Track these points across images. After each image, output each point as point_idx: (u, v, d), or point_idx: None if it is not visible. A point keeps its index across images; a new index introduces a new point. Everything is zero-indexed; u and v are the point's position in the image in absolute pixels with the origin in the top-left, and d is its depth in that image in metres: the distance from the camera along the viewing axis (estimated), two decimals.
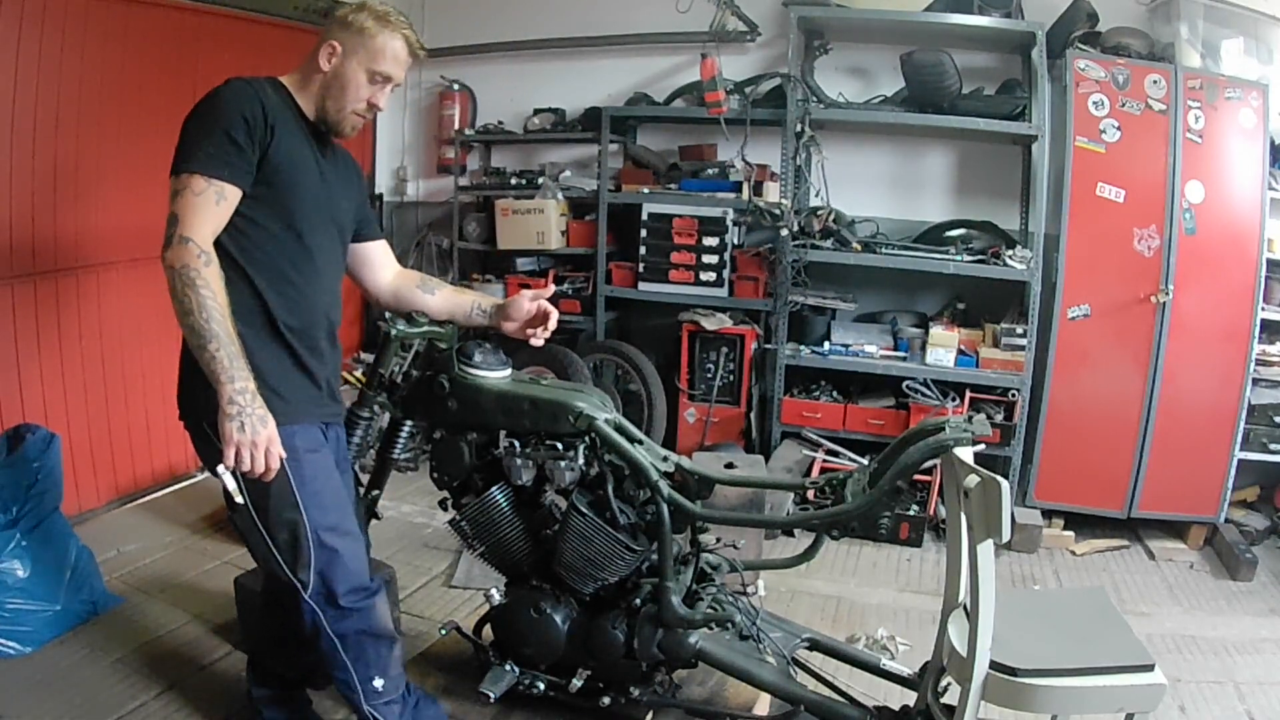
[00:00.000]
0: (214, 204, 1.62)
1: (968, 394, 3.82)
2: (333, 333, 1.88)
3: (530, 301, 2.06)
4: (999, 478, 1.44)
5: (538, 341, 2.08)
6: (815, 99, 3.99)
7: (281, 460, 1.66)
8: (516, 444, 1.94)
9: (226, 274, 1.65)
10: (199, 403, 1.68)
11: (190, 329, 1.59)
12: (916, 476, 3.41)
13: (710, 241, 4.19)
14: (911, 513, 3.63)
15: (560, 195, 4.47)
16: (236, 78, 1.72)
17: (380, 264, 2.08)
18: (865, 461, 2.03)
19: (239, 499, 1.67)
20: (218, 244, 1.65)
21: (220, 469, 1.64)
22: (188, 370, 1.73)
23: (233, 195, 1.66)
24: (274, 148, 1.69)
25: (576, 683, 1.99)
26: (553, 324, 2.07)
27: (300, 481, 1.72)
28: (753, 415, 4.22)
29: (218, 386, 1.58)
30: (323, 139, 1.85)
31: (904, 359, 3.95)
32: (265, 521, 1.72)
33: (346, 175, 1.94)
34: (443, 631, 2.18)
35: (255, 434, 1.59)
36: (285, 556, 1.74)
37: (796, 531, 3.58)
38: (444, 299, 2.10)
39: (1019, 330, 3.77)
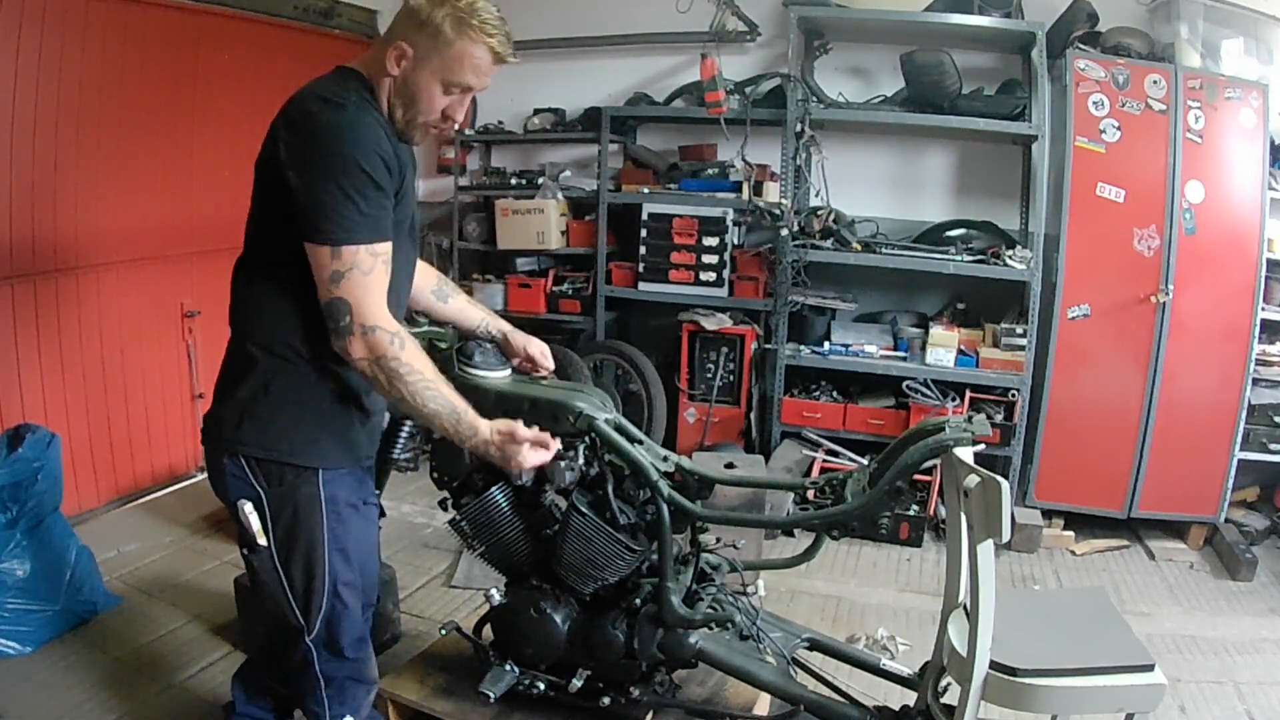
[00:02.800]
0: (383, 273, 1.50)
1: (968, 394, 3.82)
2: None
3: (528, 348, 2.02)
4: (999, 478, 1.44)
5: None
6: (815, 99, 3.99)
7: (321, 509, 1.63)
8: None
9: (291, 295, 1.54)
10: (238, 434, 1.61)
11: (410, 413, 1.58)
12: (916, 476, 3.40)
13: (710, 241, 4.19)
14: (911, 513, 3.63)
15: (560, 195, 4.47)
16: (340, 104, 1.46)
17: None
18: (865, 461, 2.03)
19: (262, 540, 1.62)
20: (281, 264, 1.52)
21: (248, 507, 1.60)
22: (237, 398, 1.61)
23: (390, 250, 1.53)
24: (402, 184, 1.56)
25: (576, 683, 1.98)
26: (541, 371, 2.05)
27: (333, 535, 1.67)
28: (753, 415, 4.22)
29: (461, 445, 1.63)
30: None
31: (904, 359, 3.95)
32: (286, 566, 1.66)
33: (411, 175, 1.73)
34: (443, 631, 2.17)
35: (518, 457, 1.64)
36: (298, 601, 1.68)
37: (796, 531, 3.58)
38: (454, 309, 2.05)
39: (1019, 330, 3.77)
